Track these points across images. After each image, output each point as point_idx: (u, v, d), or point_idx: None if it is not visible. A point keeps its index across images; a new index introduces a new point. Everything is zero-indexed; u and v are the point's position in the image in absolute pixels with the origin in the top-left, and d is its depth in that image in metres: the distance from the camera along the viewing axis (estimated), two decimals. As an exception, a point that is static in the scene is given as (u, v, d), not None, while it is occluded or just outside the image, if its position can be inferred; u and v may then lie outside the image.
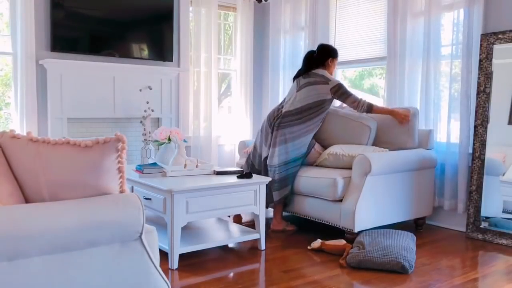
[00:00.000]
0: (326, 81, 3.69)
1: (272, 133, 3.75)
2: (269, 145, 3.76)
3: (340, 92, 3.66)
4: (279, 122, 3.71)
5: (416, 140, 3.71)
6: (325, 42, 4.83)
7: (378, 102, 4.81)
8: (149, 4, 4.70)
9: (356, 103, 3.65)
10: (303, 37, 5.02)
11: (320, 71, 3.76)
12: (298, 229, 3.79)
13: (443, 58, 3.88)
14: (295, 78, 3.89)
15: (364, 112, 3.67)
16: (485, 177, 3.53)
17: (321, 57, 3.81)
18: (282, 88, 5.20)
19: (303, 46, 5.01)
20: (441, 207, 3.91)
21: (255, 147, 3.95)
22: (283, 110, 3.75)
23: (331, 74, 3.84)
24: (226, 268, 2.87)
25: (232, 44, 5.56)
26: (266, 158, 3.78)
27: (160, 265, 2.69)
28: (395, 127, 3.74)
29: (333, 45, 4.83)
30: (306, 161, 3.77)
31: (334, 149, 3.62)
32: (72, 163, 1.60)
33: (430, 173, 3.76)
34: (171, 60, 4.92)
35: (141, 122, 4.44)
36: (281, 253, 3.17)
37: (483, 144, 3.55)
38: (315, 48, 3.93)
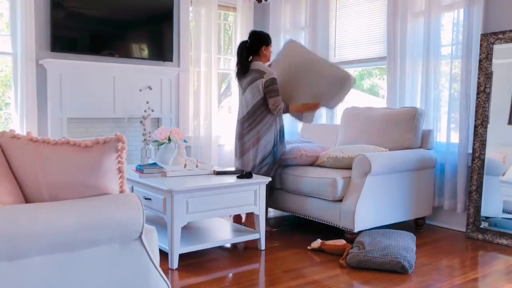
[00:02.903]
0: (262, 74, 3.65)
1: (239, 143, 3.81)
2: (239, 156, 3.83)
3: (270, 87, 3.62)
4: (241, 132, 3.78)
5: (419, 140, 3.72)
6: (325, 42, 4.83)
7: (378, 102, 4.81)
8: (149, 4, 4.71)
9: (277, 106, 3.65)
10: (303, 37, 5.02)
11: (255, 64, 3.70)
12: (298, 229, 3.79)
13: (443, 58, 3.88)
14: (236, 76, 3.84)
15: (279, 113, 3.72)
16: (485, 177, 3.53)
17: (254, 46, 3.73)
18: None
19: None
20: (441, 207, 3.91)
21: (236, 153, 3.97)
22: (244, 116, 3.79)
23: (268, 60, 3.81)
24: (226, 268, 2.87)
25: (232, 44, 5.56)
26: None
27: (160, 265, 2.69)
28: (398, 127, 3.74)
29: (332, 45, 4.85)
30: (277, 158, 3.79)
31: (334, 152, 3.61)
32: (72, 163, 1.60)
33: (430, 173, 3.76)
34: (171, 60, 4.92)
35: (141, 122, 4.44)
36: (281, 253, 3.17)
37: (483, 144, 3.55)
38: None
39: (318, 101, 3.78)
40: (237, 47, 3.89)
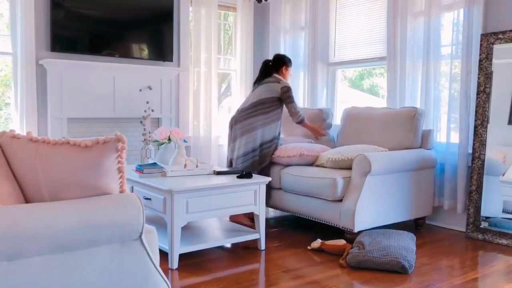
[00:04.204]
0: (278, 80, 3.97)
1: (231, 130, 4.01)
2: (230, 142, 4.03)
3: (286, 94, 3.91)
4: (236, 118, 4.00)
5: (419, 140, 3.72)
6: (325, 42, 4.85)
7: (378, 102, 4.81)
8: (149, 4, 4.70)
9: (296, 112, 3.93)
10: (303, 37, 5.02)
11: (274, 75, 4.05)
12: (298, 229, 3.79)
13: (443, 58, 3.88)
14: (253, 84, 4.14)
15: (297, 123, 3.99)
16: (485, 177, 3.53)
17: (276, 65, 4.09)
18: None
19: (303, 46, 5.01)
20: (441, 207, 3.91)
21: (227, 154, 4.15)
22: (239, 109, 4.03)
23: (286, 80, 4.11)
24: (226, 268, 2.87)
25: (232, 44, 5.56)
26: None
27: (160, 265, 2.69)
28: (398, 127, 3.75)
29: (332, 45, 4.87)
30: (265, 157, 3.90)
31: (333, 154, 3.60)
32: (72, 163, 1.60)
33: (430, 173, 3.76)
34: (171, 60, 4.92)
35: (141, 122, 4.44)
36: (281, 253, 3.17)
37: (483, 144, 3.55)
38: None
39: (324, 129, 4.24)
40: (262, 62, 4.22)
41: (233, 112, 5.47)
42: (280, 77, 4.02)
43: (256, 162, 3.87)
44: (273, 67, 4.08)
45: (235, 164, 3.92)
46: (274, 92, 3.91)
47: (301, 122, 3.97)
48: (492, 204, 3.51)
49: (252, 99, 3.96)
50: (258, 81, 4.08)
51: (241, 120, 3.92)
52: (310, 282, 2.64)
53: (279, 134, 4.01)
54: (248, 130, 3.88)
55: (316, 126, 4.17)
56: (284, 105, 3.97)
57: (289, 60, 4.13)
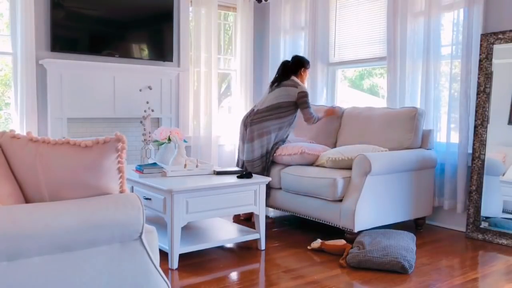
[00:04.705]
0: (296, 85, 3.95)
1: (246, 131, 3.97)
2: (245, 143, 3.99)
3: (303, 99, 3.91)
4: (251, 119, 3.93)
5: (419, 140, 3.72)
6: (325, 42, 4.84)
7: (378, 102, 4.81)
8: (149, 4, 4.71)
9: (311, 117, 3.94)
10: (303, 37, 5.02)
11: (293, 78, 4.02)
12: (298, 229, 3.79)
13: (443, 58, 3.88)
14: (271, 84, 4.11)
15: (314, 122, 4.01)
16: (485, 177, 3.53)
17: (295, 66, 4.06)
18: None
19: (303, 46, 5.01)
20: (441, 207, 3.91)
21: (238, 155, 4.13)
22: (255, 110, 4.00)
23: (303, 83, 4.10)
24: (226, 268, 2.87)
25: (232, 44, 5.56)
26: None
27: (160, 265, 2.69)
28: (398, 127, 3.75)
29: (332, 45, 4.87)
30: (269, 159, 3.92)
31: (333, 154, 3.60)
32: (72, 163, 1.60)
33: (430, 173, 3.76)
34: (171, 60, 4.92)
35: (141, 122, 4.44)
36: (281, 253, 3.17)
37: (483, 144, 3.55)
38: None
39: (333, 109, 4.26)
40: (279, 64, 4.21)
41: (233, 112, 5.48)
42: (298, 80, 3.99)
43: (267, 165, 3.89)
44: (291, 68, 4.05)
45: (249, 167, 3.88)
46: (291, 96, 3.89)
47: (316, 122, 4.01)
48: (492, 204, 3.51)
49: (269, 102, 3.93)
50: (276, 81, 4.04)
51: (257, 122, 3.89)
52: (310, 282, 2.64)
53: (286, 137, 4.01)
54: (263, 133, 3.86)
55: (327, 110, 4.23)
56: (298, 110, 3.97)
57: (308, 62, 4.11)
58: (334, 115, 4.23)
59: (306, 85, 4.31)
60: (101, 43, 4.46)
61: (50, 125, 4.19)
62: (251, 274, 2.77)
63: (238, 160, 4.09)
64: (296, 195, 3.68)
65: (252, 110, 4.02)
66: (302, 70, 4.06)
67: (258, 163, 3.86)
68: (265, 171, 3.87)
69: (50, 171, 1.63)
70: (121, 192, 1.70)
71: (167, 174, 3.14)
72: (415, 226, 3.81)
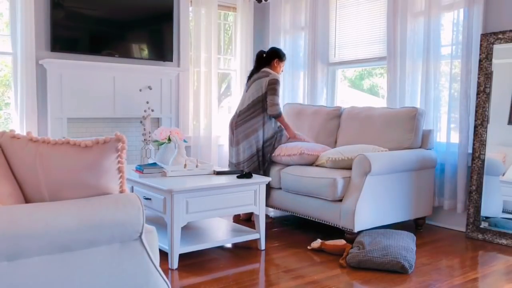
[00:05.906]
0: (267, 74, 3.94)
1: (233, 135, 3.97)
2: (233, 147, 3.99)
3: (272, 86, 3.86)
4: (236, 122, 3.96)
5: (419, 140, 3.72)
6: (325, 42, 4.85)
7: (378, 102, 4.81)
8: (149, 4, 4.70)
9: (275, 104, 3.85)
10: (303, 37, 5.02)
11: (265, 69, 4.01)
12: (298, 229, 3.79)
13: (443, 58, 3.88)
14: (248, 79, 4.11)
15: (273, 116, 3.89)
16: (485, 177, 3.53)
17: (268, 57, 4.05)
18: (281, 88, 5.20)
19: (303, 46, 5.01)
20: (441, 207, 3.91)
21: (229, 158, 4.12)
22: (238, 112, 4.01)
23: (278, 73, 4.06)
24: (226, 268, 2.87)
25: (232, 44, 5.56)
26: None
27: (160, 265, 2.69)
28: (398, 126, 3.75)
29: (332, 45, 4.87)
30: (268, 157, 3.93)
31: (333, 154, 3.60)
32: (72, 163, 1.60)
33: (430, 173, 3.76)
34: (171, 60, 4.92)
35: (141, 122, 4.44)
36: (281, 253, 3.17)
37: (483, 144, 3.55)
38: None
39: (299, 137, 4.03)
40: (255, 55, 4.20)
41: (233, 112, 5.48)
42: (270, 70, 3.97)
43: (261, 162, 3.90)
44: (265, 59, 4.04)
45: (241, 167, 3.89)
46: (264, 87, 3.89)
47: (277, 116, 3.88)
48: (492, 204, 3.51)
49: (248, 100, 3.95)
50: (251, 76, 4.05)
51: (242, 124, 3.90)
52: (310, 282, 2.64)
53: (279, 127, 3.99)
54: (250, 132, 3.87)
55: (293, 130, 4.05)
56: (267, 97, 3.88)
57: (283, 54, 4.07)
58: (292, 138, 4.01)
59: (282, 77, 4.20)
60: (101, 43, 4.46)
61: (50, 125, 4.19)
62: (251, 274, 2.77)
63: (229, 164, 4.10)
64: (296, 195, 3.68)
65: (236, 113, 4.02)
66: (276, 61, 4.02)
67: (248, 164, 3.86)
68: (260, 169, 3.87)
69: (50, 171, 1.63)
70: (121, 192, 1.70)
71: (167, 174, 3.14)
72: (415, 226, 3.81)
